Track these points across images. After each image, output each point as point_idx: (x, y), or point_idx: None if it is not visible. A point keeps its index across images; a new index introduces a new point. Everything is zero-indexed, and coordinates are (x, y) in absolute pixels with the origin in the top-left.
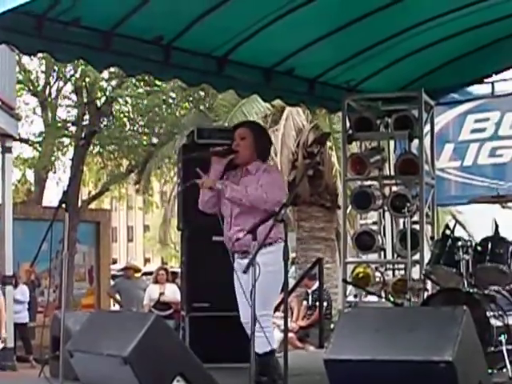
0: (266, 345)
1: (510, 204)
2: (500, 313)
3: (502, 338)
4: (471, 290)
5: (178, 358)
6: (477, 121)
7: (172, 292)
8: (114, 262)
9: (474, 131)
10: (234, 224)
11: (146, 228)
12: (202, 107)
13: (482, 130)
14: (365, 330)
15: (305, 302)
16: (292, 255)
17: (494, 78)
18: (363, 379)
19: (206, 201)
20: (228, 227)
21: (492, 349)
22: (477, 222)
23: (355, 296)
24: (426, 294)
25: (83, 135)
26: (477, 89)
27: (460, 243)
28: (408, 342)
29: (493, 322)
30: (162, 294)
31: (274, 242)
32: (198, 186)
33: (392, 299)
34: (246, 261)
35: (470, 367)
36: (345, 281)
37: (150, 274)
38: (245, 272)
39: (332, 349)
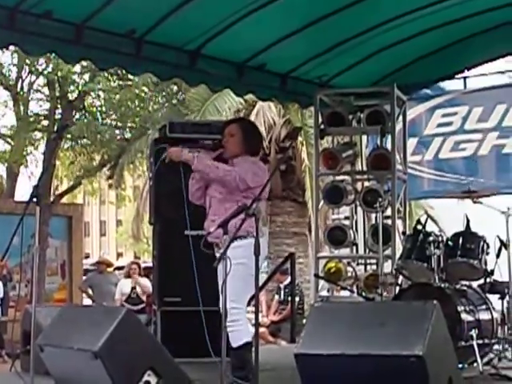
0: (239, 338)
1: (480, 199)
2: (471, 307)
3: (473, 332)
4: (442, 285)
5: (148, 352)
6: (444, 115)
7: (144, 286)
8: (87, 256)
9: (440, 125)
10: (208, 216)
11: (119, 222)
12: (174, 102)
13: (449, 124)
14: (336, 324)
15: (276, 297)
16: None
17: (467, 73)
18: (334, 374)
19: (193, 192)
20: (207, 218)
21: (463, 343)
22: (447, 217)
23: (327, 291)
24: (397, 289)
25: (55, 129)
26: (449, 84)
27: (431, 238)
28: (379, 337)
29: (464, 316)
30: (133, 288)
31: (245, 236)
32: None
33: (364, 294)
34: (218, 254)
35: (440, 362)
36: (317, 275)
37: (123, 268)
38: (215, 266)
39: (303, 343)
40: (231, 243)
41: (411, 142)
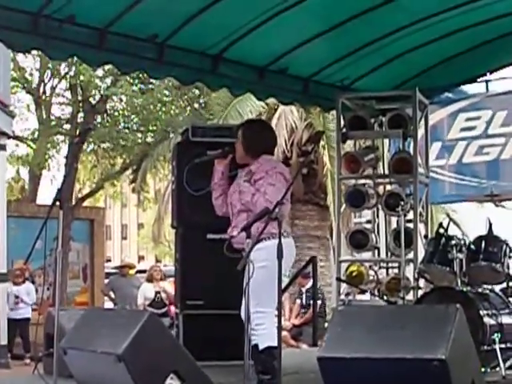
0: (262, 343)
1: (503, 203)
2: (493, 311)
3: (496, 336)
4: (465, 289)
5: (171, 355)
6: (468, 119)
7: (169, 292)
8: (108, 260)
9: (463, 129)
10: (232, 222)
11: (140, 226)
12: (196, 106)
13: (472, 129)
14: (358, 327)
15: (298, 301)
16: None
17: (489, 77)
18: (356, 377)
19: (215, 202)
20: (231, 226)
21: (485, 347)
22: (469, 221)
23: (347, 294)
24: (419, 293)
25: (77, 133)
26: (471, 88)
27: (454, 242)
28: (401, 340)
29: (486, 320)
30: (158, 292)
31: (266, 238)
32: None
33: (386, 298)
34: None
35: (462, 365)
36: (339, 279)
37: (144, 271)
38: (238, 269)
39: (325, 347)
40: (254, 246)
41: (435, 147)
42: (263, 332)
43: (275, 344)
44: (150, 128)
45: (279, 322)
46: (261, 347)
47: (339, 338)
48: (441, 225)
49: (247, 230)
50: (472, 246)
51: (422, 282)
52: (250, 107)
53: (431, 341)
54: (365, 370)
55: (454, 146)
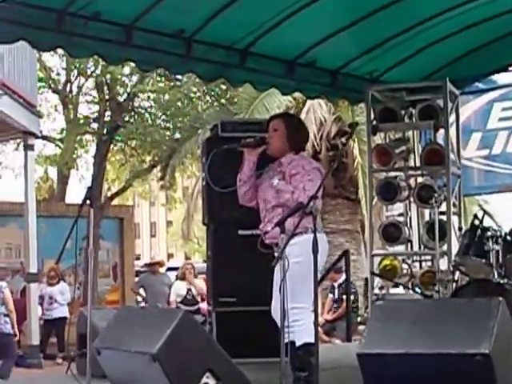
0: (298, 339)
1: None
2: None
3: None
4: (502, 281)
5: (206, 353)
6: (504, 109)
7: (199, 288)
8: (137, 258)
9: (501, 119)
10: (264, 217)
11: (169, 223)
12: (223, 101)
13: (511, 118)
14: (398, 323)
15: (330, 296)
16: None
17: None
18: (397, 373)
19: (242, 195)
20: (263, 221)
21: None
22: (504, 212)
23: (381, 288)
24: (454, 286)
25: (105, 131)
26: (501, 77)
27: (489, 233)
28: (443, 335)
29: None
30: (189, 289)
31: (300, 233)
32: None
33: (421, 291)
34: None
35: (506, 360)
36: (373, 273)
37: (174, 269)
38: (274, 265)
39: (365, 343)
40: (289, 241)
41: (475, 137)
42: (300, 328)
43: (312, 340)
44: (178, 124)
45: (316, 317)
46: (298, 344)
47: (379, 333)
48: (476, 216)
49: (281, 225)
50: (508, 237)
51: (456, 275)
52: (277, 102)
53: (474, 335)
54: (406, 365)
55: (496, 136)
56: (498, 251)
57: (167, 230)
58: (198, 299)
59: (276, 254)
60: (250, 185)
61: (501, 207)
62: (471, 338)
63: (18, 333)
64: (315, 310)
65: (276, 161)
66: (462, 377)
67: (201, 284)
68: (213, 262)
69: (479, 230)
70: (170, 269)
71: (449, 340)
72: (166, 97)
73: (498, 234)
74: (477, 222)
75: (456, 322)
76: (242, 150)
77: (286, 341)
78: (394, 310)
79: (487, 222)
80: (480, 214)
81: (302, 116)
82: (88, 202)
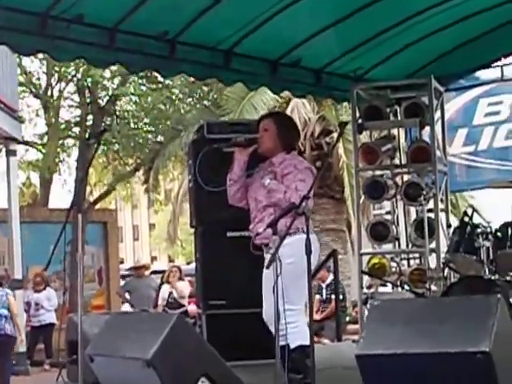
0: (292, 341)
1: None
2: None
3: None
4: (493, 277)
5: (201, 358)
6: (490, 104)
7: (180, 290)
8: (121, 262)
9: (488, 114)
10: (255, 217)
11: (152, 226)
12: (206, 103)
13: (497, 113)
14: (396, 322)
15: (318, 296)
16: None
17: (503, 61)
18: (397, 373)
19: (232, 194)
20: (253, 222)
21: None
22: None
23: (369, 287)
24: (445, 283)
25: (87, 135)
26: (485, 73)
27: (479, 230)
28: (442, 334)
29: None
30: (170, 293)
31: (291, 233)
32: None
33: (411, 289)
34: (268, 255)
35: (507, 357)
36: (364, 272)
37: (158, 272)
38: (267, 267)
39: (363, 344)
40: (282, 242)
41: (461, 133)
42: (294, 330)
43: (306, 342)
44: (160, 127)
45: (311, 318)
46: (292, 346)
47: (377, 333)
48: (465, 213)
49: (274, 226)
50: (498, 233)
51: (446, 272)
52: (264, 101)
53: (473, 333)
54: (405, 366)
55: (482, 132)
56: (488, 248)
57: (150, 233)
58: (183, 302)
59: (266, 255)
60: (240, 184)
61: (487, 203)
62: (471, 337)
63: (22, 336)
64: (310, 311)
65: (267, 160)
66: (462, 376)
67: (183, 287)
68: (201, 265)
69: (469, 227)
70: (154, 272)
71: (448, 339)
72: (149, 99)
73: (488, 230)
74: (466, 219)
75: (455, 320)
76: (232, 151)
77: (282, 343)
78: (391, 309)
79: (477, 219)
80: (469, 211)
81: None
82: (75, 207)
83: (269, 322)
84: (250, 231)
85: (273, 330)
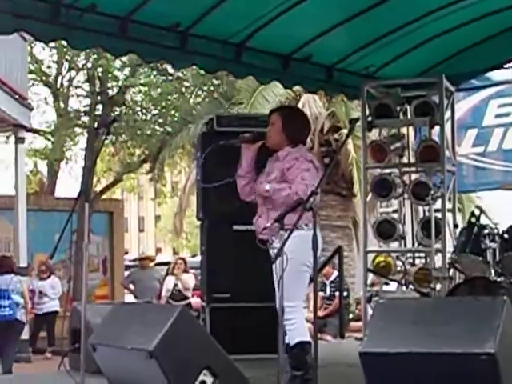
0: (292, 338)
1: None
2: None
3: None
4: (499, 279)
5: (204, 350)
6: (500, 106)
7: (185, 282)
8: (126, 252)
9: (498, 116)
10: (261, 212)
11: (158, 218)
12: (215, 95)
13: (507, 115)
14: (401, 321)
15: (321, 293)
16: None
17: None
18: (400, 373)
19: (241, 188)
20: (256, 216)
21: None
22: (497, 208)
23: (371, 285)
24: (450, 283)
25: (96, 125)
26: (496, 74)
27: (486, 231)
28: (447, 334)
29: None
30: (175, 285)
31: (296, 228)
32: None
33: (417, 289)
34: (271, 250)
35: (511, 359)
36: (370, 270)
37: (163, 264)
38: (273, 262)
39: (367, 342)
40: (289, 238)
41: (470, 134)
42: (293, 327)
43: (306, 339)
44: (169, 118)
45: (315, 314)
46: (292, 343)
47: (381, 332)
48: (473, 214)
49: (280, 221)
50: (505, 235)
51: (451, 272)
52: (276, 94)
53: (478, 334)
54: (409, 365)
55: (492, 133)
56: (494, 249)
57: (156, 224)
58: (187, 294)
59: (271, 250)
60: (248, 179)
61: (494, 204)
62: (476, 338)
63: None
64: (314, 307)
65: (274, 154)
66: (466, 377)
67: (188, 279)
68: (207, 258)
69: (476, 228)
70: (158, 264)
71: (453, 339)
72: (158, 90)
73: (495, 231)
74: (474, 220)
75: (460, 321)
76: (240, 145)
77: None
78: (396, 308)
79: (484, 220)
80: (477, 212)
81: None
82: (83, 196)
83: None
84: (254, 224)
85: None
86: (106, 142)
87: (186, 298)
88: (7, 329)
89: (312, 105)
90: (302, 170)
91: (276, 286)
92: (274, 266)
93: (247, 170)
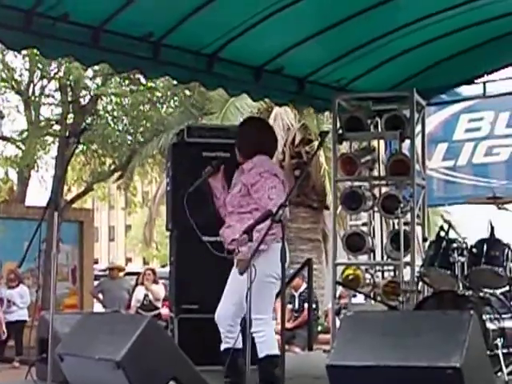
0: (260, 351)
1: (506, 205)
2: (495, 316)
3: (498, 341)
4: (466, 293)
5: (171, 361)
6: (471, 120)
7: (156, 293)
8: (96, 262)
9: (468, 130)
10: (228, 223)
11: (128, 228)
12: (187, 105)
13: (477, 129)
14: (368, 334)
15: (290, 306)
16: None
17: (486, 78)
18: None
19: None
20: (224, 227)
21: (488, 352)
22: (465, 223)
23: (339, 297)
24: (418, 297)
25: (67, 133)
26: (467, 89)
27: (455, 245)
28: (413, 347)
29: (488, 325)
30: (146, 295)
31: (266, 241)
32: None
33: (384, 302)
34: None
35: (477, 373)
36: (338, 282)
37: (133, 274)
38: (241, 274)
39: (334, 354)
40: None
41: (441, 148)
42: (261, 340)
43: (275, 352)
44: (140, 129)
45: (283, 326)
46: (260, 356)
47: (348, 344)
48: (442, 228)
49: (249, 233)
50: (474, 250)
51: (419, 286)
52: (248, 104)
53: (445, 348)
54: (376, 378)
55: (462, 147)
56: (463, 263)
57: (126, 234)
58: (158, 304)
59: (235, 260)
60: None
61: (462, 218)
62: (442, 351)
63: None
64: (282, 319)
65: (240, 167)
66: None
67: (159, 289)
68: (176, 268)
69: (445, 242)
70: (128, 273)
71: (419, 352)
72: (130, 100)
73: (464, 246)
74: (442, 234)
75: (426, 334)
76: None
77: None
78: (363, 321)
79: (452, 234)
80: (446, 226)
81: (270, 121)
82: (52, 205)
83: (221, 323)
84: (220, 236)
85: (221, 330)
86: (77, 151)
87: (157, 308)
88: None
89: (284, 116)
90: (269, 187)
91: (227, 291)
92: (233, 271)
93: (223, 198)
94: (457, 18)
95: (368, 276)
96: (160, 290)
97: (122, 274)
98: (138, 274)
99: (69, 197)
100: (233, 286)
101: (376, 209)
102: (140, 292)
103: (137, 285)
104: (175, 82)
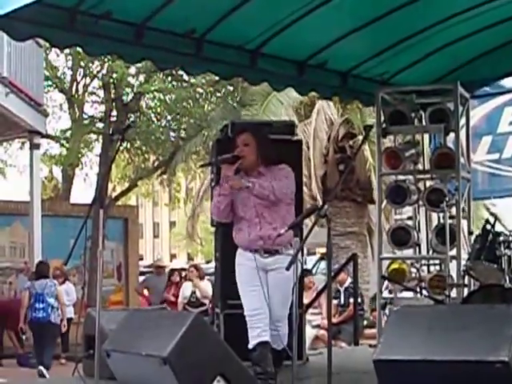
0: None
1: None
2: None
3: None
4: None
5: (218, 357)
6: None
7: (203, 290)
8: (141, 258)
9: None
10: (265, 223)
11: (172, 224)
12: (230, 101)
13: None
14: (416, 329)
15: (335, 301)
16: (322, 251)
17: None
18: (414, 380)
19: (223, 209)
20: (258, 227)
21: None
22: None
23: (390, 292)
24: (465, 290)
25: (111, 131)
26: (510, 81)
27: (501, 238)
28: (461, 342)
29: None
30: (193, 292)
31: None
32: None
33: (431, 296)
34: (269, 259)
35: None
36: (384, 277)
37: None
38: (287, 269)
39: (382, 349)
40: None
41: (485, 141)
42: (282, 332)
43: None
44: (183, 125)
45: (329, 322)
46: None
47: (396, 339)
48: (487, 221)
49: (295, 227)
50: None
51: (466, 279)
52: (290, 97)
53: (493, 342)
54: (423, 372)
55: (506, 140)
56: (509, 256)
57: (170, 230)
58: (205, 301)
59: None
60: (229, 199)
61: (507, 211)
62: (490, 345)
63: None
64: (328, 315)
65: (242, 173)
66: None
67: (206, 287)
68: (221, 264)
69: (491, 235)
70: (173, 270)
71: (467, 347)
72: (172, 96)
73: (510, 239)
74: (488, 227)
75: (474, 328)
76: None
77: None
78: (411, 315)
79: (499, 227)
80: (491, 219)
81: (313, 116)
82: (98, 202)
83: (279, 322)
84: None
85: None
86: (121, 148)
87: (203, 304)
88: (42, 330)
89: (327, 111)
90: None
91: (274, 292)
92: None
93: (229, 191)
94: (501, 8)
95: (414, 270)
96: (208, 287)
97: (166, 270)
98: (182, 269)
99: (114, 194)
100: (282, 286)
101: (421, 203)
102: (187, 288)
103: (181, 280)
104: (217, 78)
